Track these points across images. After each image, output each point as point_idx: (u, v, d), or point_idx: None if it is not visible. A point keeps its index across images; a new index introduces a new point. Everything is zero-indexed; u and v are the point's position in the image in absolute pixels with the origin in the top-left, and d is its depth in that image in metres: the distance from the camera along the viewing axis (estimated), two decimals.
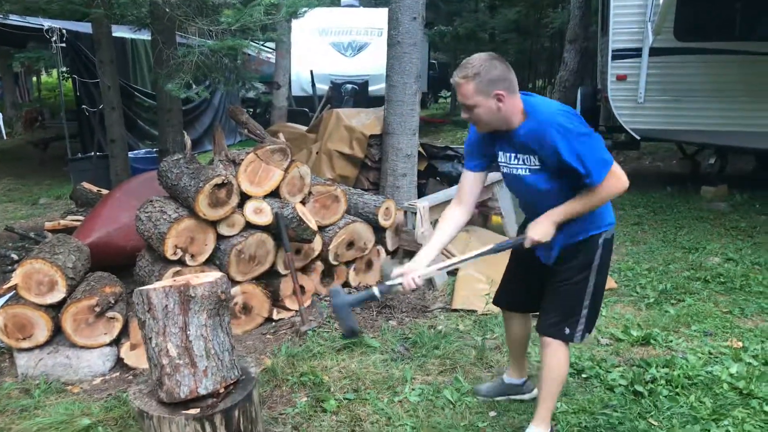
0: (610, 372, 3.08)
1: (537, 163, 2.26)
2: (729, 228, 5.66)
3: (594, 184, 2.18)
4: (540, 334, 2.46)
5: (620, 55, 6.79)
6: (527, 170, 2.31)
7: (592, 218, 2.34)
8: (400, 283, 2.33)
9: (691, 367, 3.06)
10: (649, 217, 6.23)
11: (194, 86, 4.03)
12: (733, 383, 2.92)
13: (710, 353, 3.28)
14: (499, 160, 2.40)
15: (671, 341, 3.44)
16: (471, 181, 2.49)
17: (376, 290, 2.37)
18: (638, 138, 7.08)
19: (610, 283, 4.33)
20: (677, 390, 2.89)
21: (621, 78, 6.80)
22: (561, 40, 13.43)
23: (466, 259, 2.46)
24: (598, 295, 2.45)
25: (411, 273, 2.33)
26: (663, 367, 3.08)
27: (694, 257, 4.88)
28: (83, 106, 8.77)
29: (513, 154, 2.33)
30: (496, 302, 2.81)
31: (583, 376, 3.08)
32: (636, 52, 6.70)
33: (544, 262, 2.45)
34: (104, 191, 5.37)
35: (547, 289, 2.47)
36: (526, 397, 2.88)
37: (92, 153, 7.94)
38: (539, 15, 17.04)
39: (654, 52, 6.59)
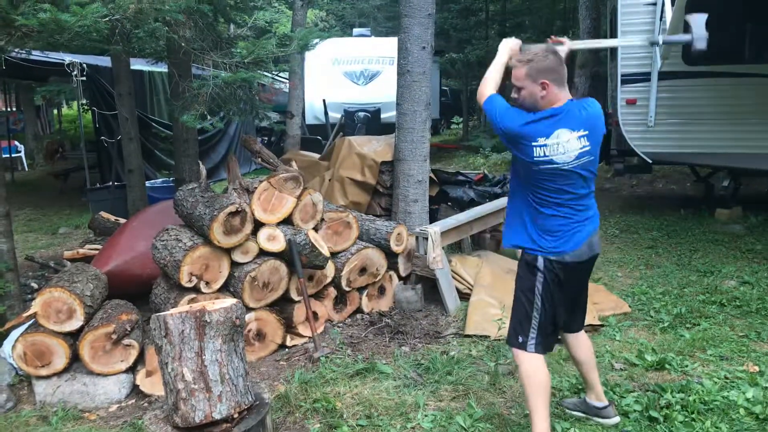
0: (625, 397, 3.06)
1: None
2: (744, 251, 5.62)
3: None
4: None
5: (629, 79, 6.82)
6: None
7: (524, 230, 2.52)
8: None
9: (707, 392, 3.03)
10: (663, 240, 6.20)
11: (209, 117, 4.13)
12: (749, 408, 2.89)
13: (726, 378, 3.24)
14: None
15: (686, 366, 3.41)
16: None
17: None
18: (650, 161, 7.08)
19: (624, 307, 4.31)
20: (693, 415, 2.86)
21: (631, 102, 6.82)
22: (571, 65, 13.56)
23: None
24: (548, 307, 2.50)
25: None
26: (678, 392, 3.05)
27: (709, 280, 4.84)
28: (102, 138, 8.97)
29: None
30: None
31: None
32: (645, 77, 6.73)
33: None
34: (122, 220, 5.48)
35: None
36: (608, 422, 2.81)
37: (110, 183, 8.11)
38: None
39: (663, 76, 6.61)
